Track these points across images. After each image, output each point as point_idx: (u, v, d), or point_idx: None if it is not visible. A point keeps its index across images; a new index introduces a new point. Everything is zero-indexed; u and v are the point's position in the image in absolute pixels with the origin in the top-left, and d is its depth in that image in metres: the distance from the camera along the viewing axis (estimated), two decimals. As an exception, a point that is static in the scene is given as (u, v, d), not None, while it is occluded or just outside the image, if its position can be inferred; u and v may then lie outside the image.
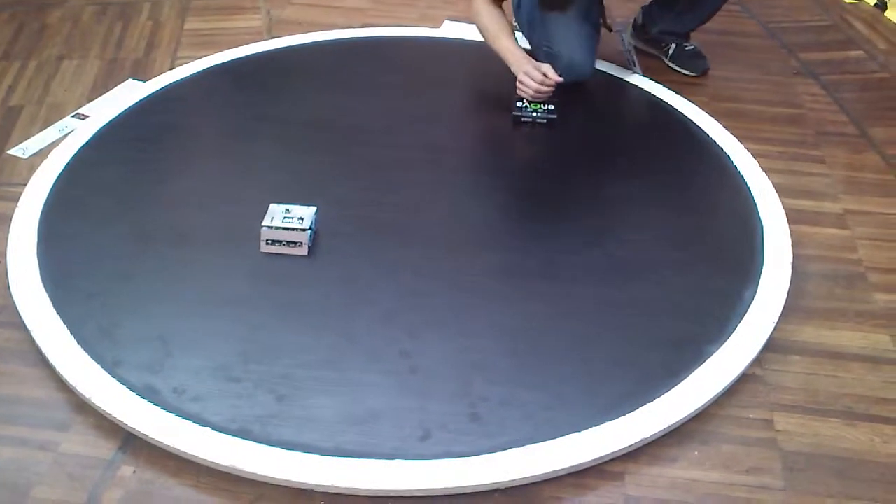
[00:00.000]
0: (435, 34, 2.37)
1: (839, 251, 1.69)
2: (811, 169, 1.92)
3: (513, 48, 1.98)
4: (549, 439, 1.27)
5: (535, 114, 1.96)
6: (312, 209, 1.63)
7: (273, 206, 1.62)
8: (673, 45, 2.25)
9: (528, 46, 2.16)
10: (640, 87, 2.15)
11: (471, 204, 1.74)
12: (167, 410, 1.30)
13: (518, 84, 1.94)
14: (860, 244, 1.71)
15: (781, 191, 1.80)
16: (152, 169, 1.83)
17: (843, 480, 1.27)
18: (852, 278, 1.63)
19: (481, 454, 1.25)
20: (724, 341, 1.44)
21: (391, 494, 1.23)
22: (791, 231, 1.69)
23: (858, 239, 1.72)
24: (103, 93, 2.11)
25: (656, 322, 1.49)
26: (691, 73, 2.24)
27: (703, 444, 1.31)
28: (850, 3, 2.64)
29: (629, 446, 1.28)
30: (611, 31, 2.21)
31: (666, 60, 2.27)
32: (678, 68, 2.25)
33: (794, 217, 1.74)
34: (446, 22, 2.44)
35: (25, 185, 1.76)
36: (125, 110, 1.99)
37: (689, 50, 2.26)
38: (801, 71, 2.29)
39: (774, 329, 1.48)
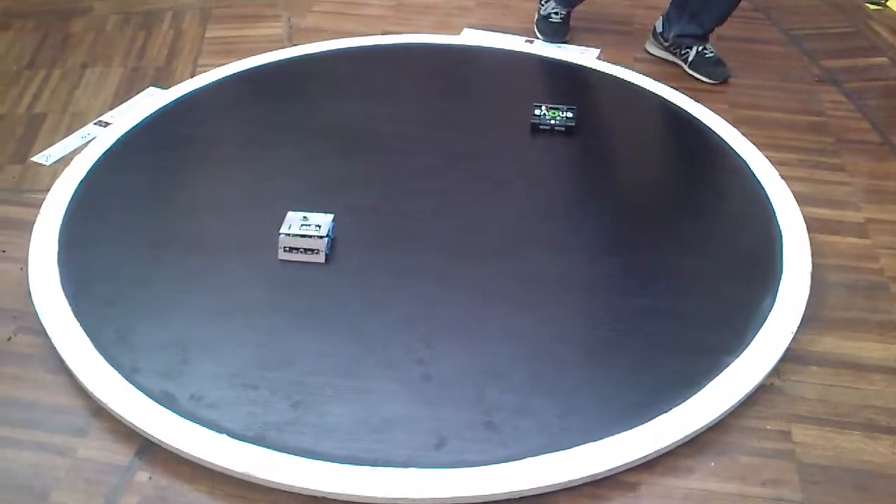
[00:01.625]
0: (454, 41, 2.38)
1: (860, 261, 1.67)
2: (832, 177, 1.90)
3: None
4: (564, 449, 1.27)
5: (553, 121, 1.96)
6: (330, 217, 1.64)
7: (291, 214, 1.63)
8: (693, 51, 2.24)
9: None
10: (658, 95, 2.14)
11: (488, 211, 1.74)
12: (184, 417, 1.31)
13: None
14: (882, 253, 1.69)
15: (801, 199, 1.78)
16: (172, 176, 1.85)
17: (862, 494, 1.25)
18: (873, 288, 1.61)
19: (496, 463, 1.25)
20: (743, 351, 1.43)
21: (405, 502, 1.22)
22: (811, 240, 1.67)
23: (880, 248, 1.70)
24: (125, 100, 2.14)
25: (673, 331, 1.48)
26: (711, 81, 2.22)
27: (719, 455, 1.30)
28: (874, 10, 2.61)
29: (645, 456, 1.27)
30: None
31: (685, 67, 2.25)
32: (698, 76, 2.23)
33: (814, 226, 1.72)
34: (465, 29, 2.45)
35: (48, 192, 1.79)
36: (146, 118, 2.02)
37: (709, 57, 2.24)
38: (823, 78, 2.27)
39: (793, 339, 1.46)
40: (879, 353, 1.48)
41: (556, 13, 2.39)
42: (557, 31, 2.39)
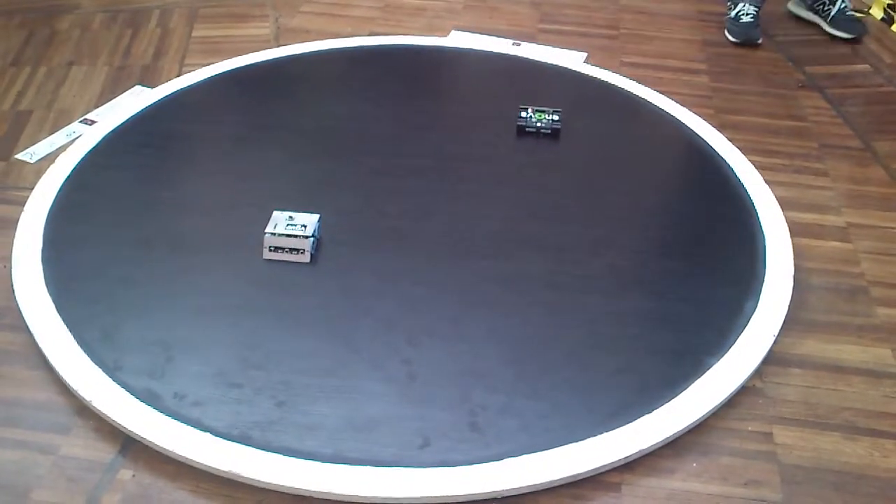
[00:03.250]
0: (442, 43, 2.38)
1: (842, 264, 1.69)
2: (815, 182, 1.92)
3: None
4: (547, 449, 1.28)
5: (539, 124, 1.97)
6: (315, 217, 1.64)
7: (276, 213, 1.63)
8: (835, 7, 2.44)
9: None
10: (644, 99, 2.15)
11: (473, 213, 1.75)
12: (167, 415, 1.31)
13: None
14: (863, 258, 1.71)
15: (784, 203, 1.80)
16: (158, 175, 1.85)
17: (841, 494, 1.27)
18: (854, 292, 1.63)
19: (480, 463, 1.26)
20: (725, 353, 1.44)
21: (390, 502, 1.23)
22: (793, 244, 1.68)
23: (861, 253, 1.72)
24: (111, 99, 2.13)
25: (657, 333, 1.49)
26: (849, 36, 2.42)
27: (701, 456, 1.31)
28: (857, 18, 2.63)
29: (627, 457, 1.28)
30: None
31: (825, 25, 2.45)
32: (837, 32, 2.45)
33: (796, 230, 1.74)
34: (453, 32, 2.46)
35: (32, 189, 1.78)
36: (132, 116, 2.01)
37: (849, 14, 2.44)
38: (807, 84, 2.29)
39: (775, 342, 1.48)
40: (859, 356, 1.49)
41: (747, 14, 2.43)
42: (748, 31, 2.43)
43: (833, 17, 2.44)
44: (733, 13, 2.46)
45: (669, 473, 1.29)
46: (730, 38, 2.45)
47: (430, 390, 1.37)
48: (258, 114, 2.05)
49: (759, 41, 2.42)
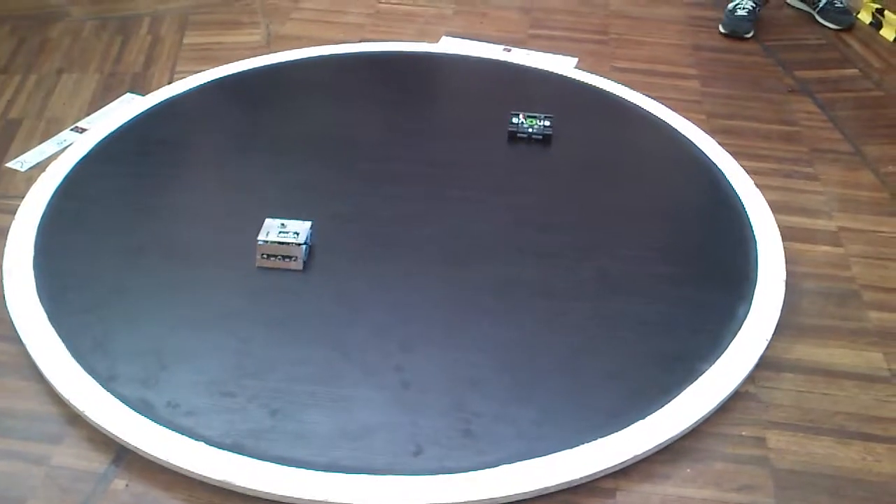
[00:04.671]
0: (433, 49, 2.39)
1: (833, 269, 1.70)
2: (805, 186, 1.92)
3: None
4: (541, 455, 1.28)
5: (530, 129, 1.97)
6: (308, 224, 1.64)
7: (268, 221, 1.63)
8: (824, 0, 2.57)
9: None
10: (635, 104, 2.16)
11: (465, 219, 1.75)
12: (160, 424, 1.31)
13: None
14: (854, 262, 1.72)
15: (775, 208, 1.80)
16: (149, 183, 1.84)
17: (834, 499, 1.27)
18: (846, 296, 1.63)
19: (474, 470, 1.26)
20: (717, 358, 1.44)
21: (383, 510, 1.23)
22: (785, 248, 1.69)
23: (852, 256, 1.73)
24: (102, 107, 2.13)
25: (649, 338, 1.49)
26: (836, 27, 2.54)
27: (695, 462, 1.32)
28: (846, 9, 2.65)
29: (621, 463, 1.28)
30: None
31: (815, 14, 2.59)
32: (825, 22, 2.56)
33: (787, 234, 1.74)
34: (444, 38, 2.46)
35: (23, 198, 1.77)
36: (123, 124, 2.00)
37: (837, 7, 2.55)
38: (797, 88, 2.30)
39: (767, 346, 1.48)
40: (851, 360, 1.50)
41: (743, 7, 2.50)
42: (736, 23, 2.50)
43: (822, 6, 2.55)
44: (731, 5, 2.53)
45: (664, 479, 1.29)
46: (720, 29, 2.53)
47: (424, 397, 1.37)
48: (250, 121, 2.05)
49: (748, 35, 2.48)
